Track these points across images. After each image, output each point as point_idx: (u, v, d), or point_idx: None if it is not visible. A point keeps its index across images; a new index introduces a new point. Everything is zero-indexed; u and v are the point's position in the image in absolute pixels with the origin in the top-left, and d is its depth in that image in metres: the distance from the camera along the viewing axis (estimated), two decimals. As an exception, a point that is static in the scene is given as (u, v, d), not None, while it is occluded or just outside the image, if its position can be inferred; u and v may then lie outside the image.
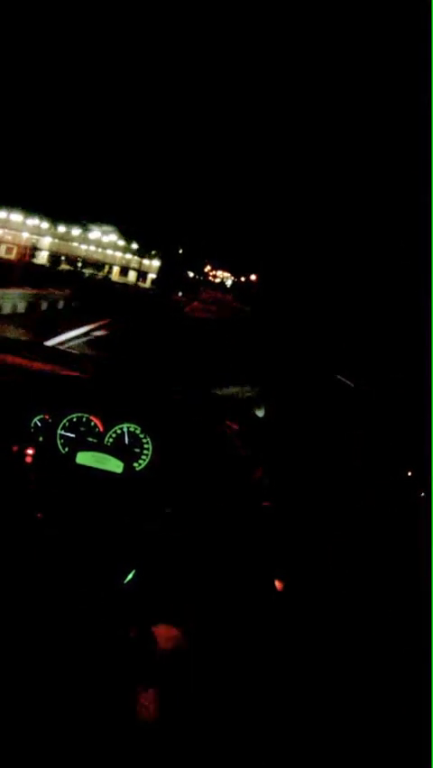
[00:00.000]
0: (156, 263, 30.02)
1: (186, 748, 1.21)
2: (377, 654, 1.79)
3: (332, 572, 2.00)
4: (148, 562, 1.62)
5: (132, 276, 30.70)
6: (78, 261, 27.02)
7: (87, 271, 25.74)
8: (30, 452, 1.95)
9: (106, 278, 22.99)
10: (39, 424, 2.09)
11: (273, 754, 1.28)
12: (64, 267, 22.26)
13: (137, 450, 2.07)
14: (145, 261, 30.88)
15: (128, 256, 31.03)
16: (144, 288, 26.54)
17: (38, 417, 2.10)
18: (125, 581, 1.55)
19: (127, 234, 28.42)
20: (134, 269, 30.85)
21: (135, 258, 30.89)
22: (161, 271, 29.26)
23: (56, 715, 1.20)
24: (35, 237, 25.97)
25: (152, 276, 30.58)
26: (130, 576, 1.56)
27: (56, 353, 2.68)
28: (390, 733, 1.49)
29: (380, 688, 1.65)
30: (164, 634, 1.40)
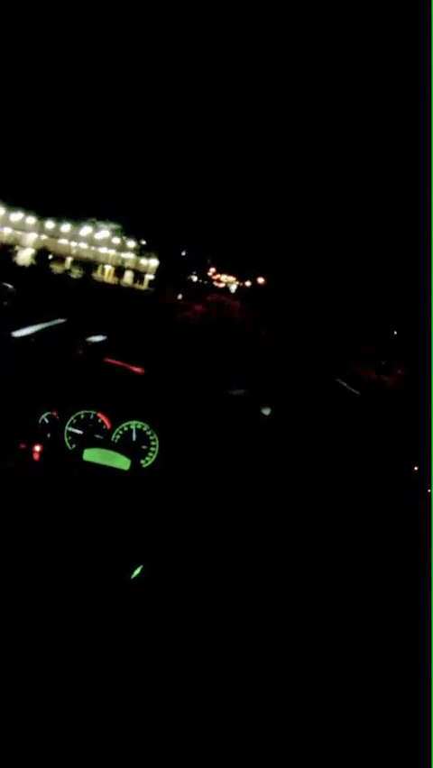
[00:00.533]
0: (154, 263, 27.44)
1: (187, 746, 1.21)
2: (377, 653, 1.69)
3: (332, 572, 1.91)
4: (154, 558, 1.64)
5: (128, 277, 28.20)
6: (65, 260, 24.53)
7: (70, 269, 23.07)
8: (37, 448, 1.96)
9: (85, 278, 20.37)
10: (46, 421, 2.09)
11: (274, 752, 1.26)
12: (31, 262, 19.68)
13: (144, 447, 2.08)
14: (143, 261, 28.26)
15: (125, 255, 28.33)
16: (130, 288, 23.90)
17: (45, 414, 2.09)
18: (132, 577, 1.57)
19: (127, 231, 25.94)
20: (130, 268, 28.25)
21: (132, 257, 28.18)
22: (158, 272, 26.80)
23: (59, 712, 1.19)
24: (19, 233, 23.59)
25: (149, 277, 28.04)
26: (137, 572, 1.57)
27: (64, 353, 2.58)
28: (389, 732, 1.41)
29: (380, 687, 1.57)
30: (169, 628, 1.44)
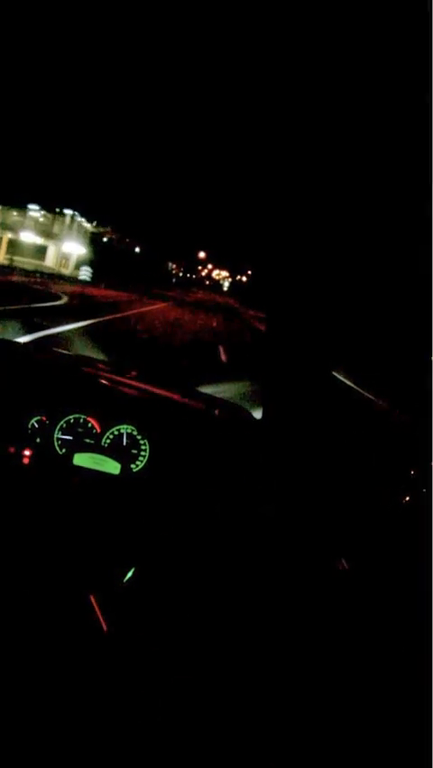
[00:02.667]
0: (89, 228, 16.13)
1: (183, 748, 1.26)
2: (377, 656, 1.69)
3: (332, 573, 1.92)
4: (146, 563, 1.68)
5: (51, 256, 17.42)
6: None
7: None
8: (27, 453, 1.98)
9: None
10: (36, 425, 2.08)
11: (272, 753, 1.30)
12: None
13: (134, 451, 2.08)
14: (69, 225, 17.00)
15: (34, 213, 16.97)
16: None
17: (35, 419, 2.08)
18: (123, 581, 1.60)
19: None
20: (40, 233, 17.14)
21: (40, 215, 16.70)
22: (99, 250, 15.80)
23: (51, 716, 1.23)
24: None
25: (79, 252, 17.03)
26: (128, 575, 1.61)
27: (51, 354, 2.65)
28: (390, 734, 1.45)
29: (380, 689, 1.58)
30: (162, 634, 1.48)
